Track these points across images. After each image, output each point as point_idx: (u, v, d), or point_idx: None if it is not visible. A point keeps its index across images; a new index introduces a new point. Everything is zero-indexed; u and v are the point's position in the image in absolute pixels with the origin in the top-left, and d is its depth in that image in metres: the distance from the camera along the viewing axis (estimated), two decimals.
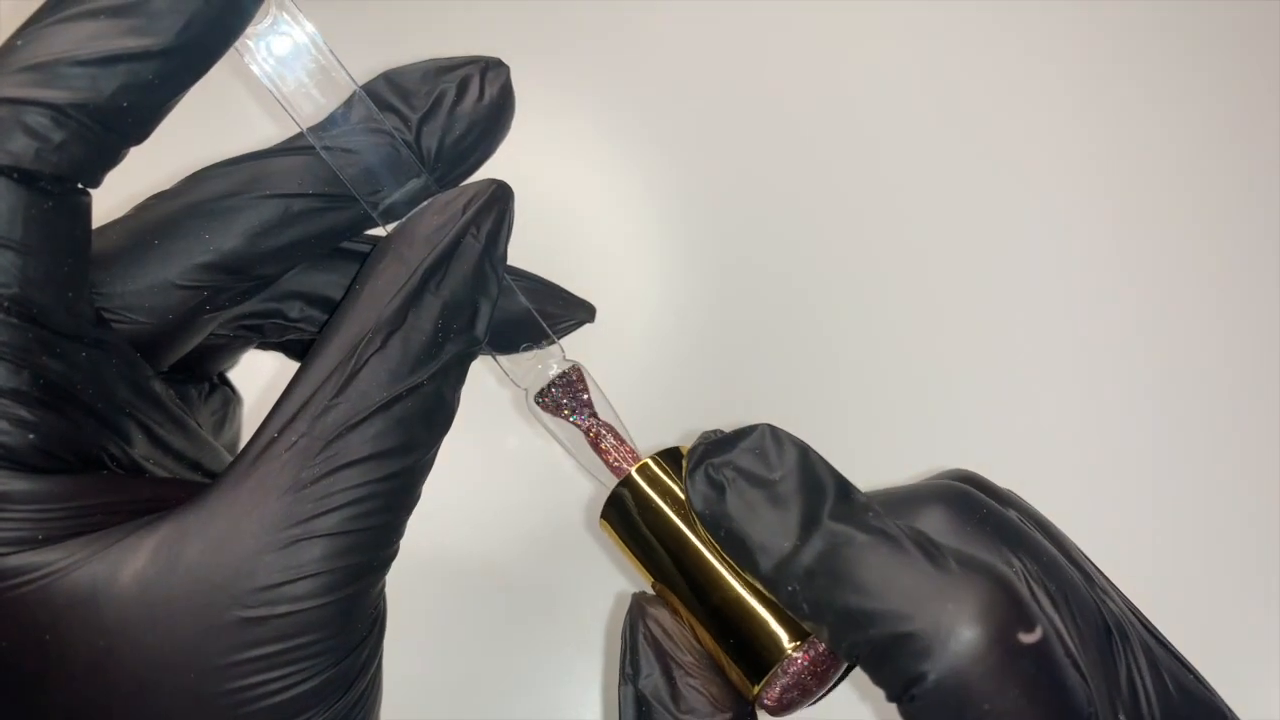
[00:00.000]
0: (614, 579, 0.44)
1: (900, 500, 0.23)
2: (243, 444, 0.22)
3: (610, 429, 0.26)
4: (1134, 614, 0.22)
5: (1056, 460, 0.46)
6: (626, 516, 0.25)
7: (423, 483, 0.22)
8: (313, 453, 0.20)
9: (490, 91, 0.24)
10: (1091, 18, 0.52)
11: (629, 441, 0.26)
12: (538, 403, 0.27)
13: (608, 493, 0.25)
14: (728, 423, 0.46)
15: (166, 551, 0.20)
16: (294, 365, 0.22)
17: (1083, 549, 0.24)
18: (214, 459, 0.25)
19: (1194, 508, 0.46)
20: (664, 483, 0.24)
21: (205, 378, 0.26)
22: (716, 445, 0.22)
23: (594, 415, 0.26)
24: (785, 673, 0.22)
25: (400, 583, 0.42)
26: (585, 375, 0.27)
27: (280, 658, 0.20)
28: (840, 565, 0.20)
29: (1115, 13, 0.52)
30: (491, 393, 0.40)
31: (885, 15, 0.52)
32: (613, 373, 0.46)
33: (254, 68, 0.22)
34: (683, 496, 0.24)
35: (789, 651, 0.22)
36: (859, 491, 0.22)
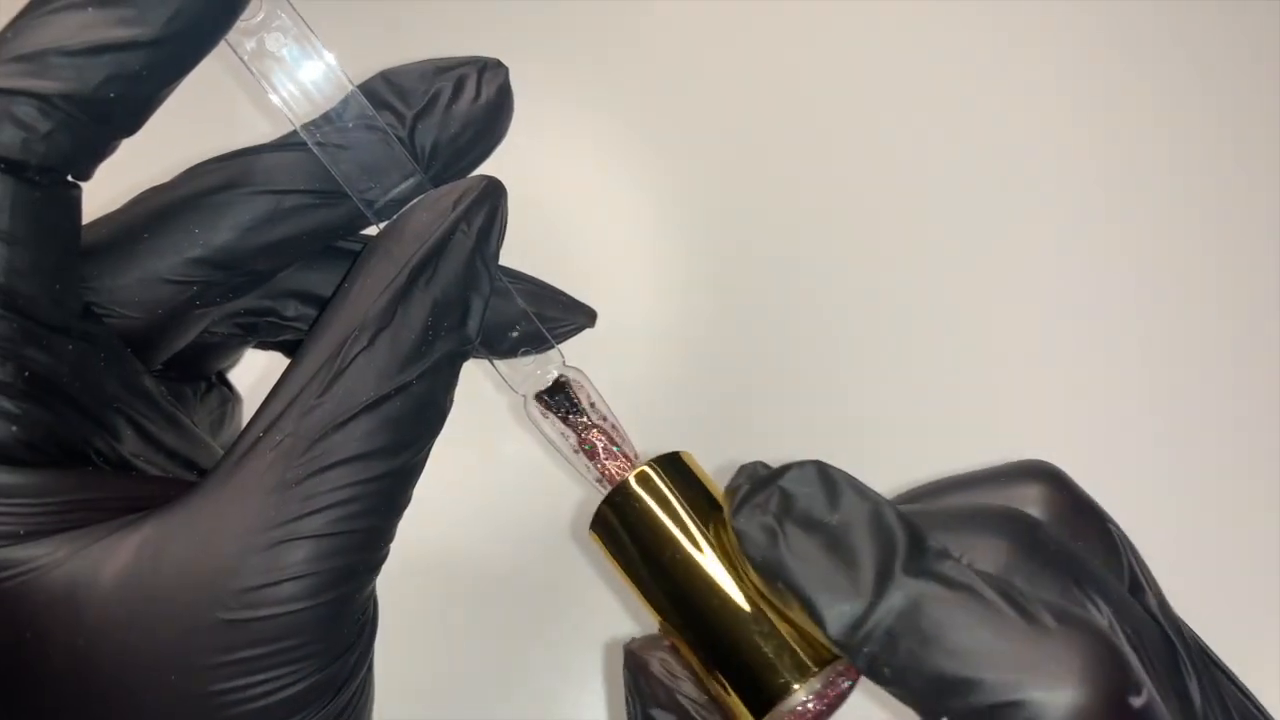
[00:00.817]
0: (610, 584, 0.43)
1: (958, 522, 0.21)
2: None
3: (604, 434, 0.25)
4: (1198, 642, 0.21)
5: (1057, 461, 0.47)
6: (618, 529, 0.23)
7: (413, 485, 0.22)
8: (298, 452, 0.20)
9: (487, 91, 0.24)
10: (1093, 18, 0.52)
11: (625, 447, 0.25)
12: (539, 402, 0.26)
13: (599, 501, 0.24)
14: (729, 424, 0.47)
15: (149, 551, 0.20)
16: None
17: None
18: (209, 457, 0.25)
19: (1193, 507, 0.46)
20: (663, 494, 0.23)
21: (201, 376, 0.26)
22: (762, 483, 0.20)
23: (589, 421, 0.25)
24: (797, 713, 0.21)
25: (399, 587, 0.42)
26: (586, 382, 0.27)
27: (264, 661, 0.20)
28: (927, 626, 0.18)
29: (1119, 13, 0.52)
30: (489, 399, 0.39)
31: (885, 15, 0.51)
32: (612, 374, 0.46)
33: (245, 63, 0.21)
34: (680, 511, 0.22)
35: (803, 697, 0.21)
36: (932, 537, 0.20)
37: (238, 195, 0.22)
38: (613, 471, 0.25)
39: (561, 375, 0.26)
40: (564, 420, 0.26)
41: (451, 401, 0.22)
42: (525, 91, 0.50)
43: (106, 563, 0.20)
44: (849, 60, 0.51)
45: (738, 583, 0.21)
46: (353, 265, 0.22)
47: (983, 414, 0.46)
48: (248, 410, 0.29)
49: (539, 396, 0.26)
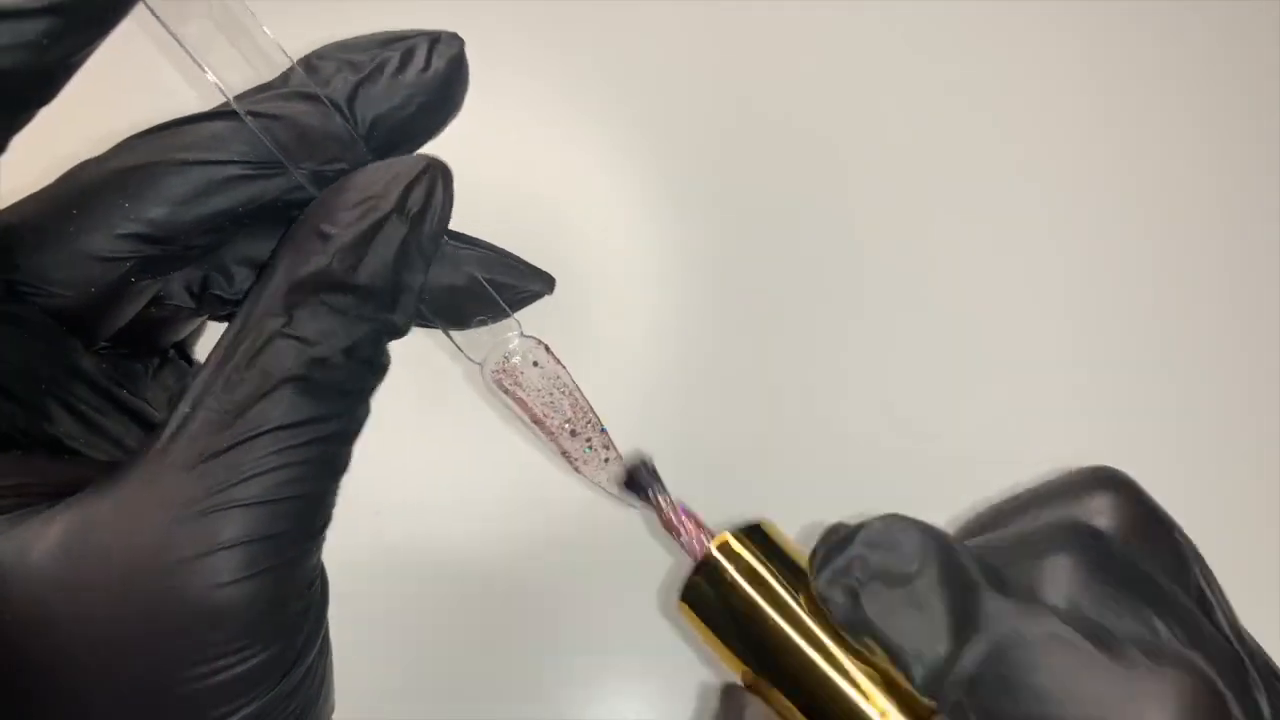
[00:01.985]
0: (612, 577, 0.43)
1: (1022, 544, 0.21)
2: None
3: (686, 511, 0.25)
4: (1263, 656, 0.21)
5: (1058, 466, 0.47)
6: (710, 600, 0.23)
7: (346, 452, 0.21)
8: (221, 425, 0.20)
9: (438, 62, 0.23)
10: (1091, 18, 0.51)
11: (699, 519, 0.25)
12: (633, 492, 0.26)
13: (685, 568, 0.24)
14: (731, 425, 0.47)
15: (78, 529, 0.20)
16: None
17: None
18: None
19: (1194, 507, 0.46)
20: (747, 562, 0.23)
21: (154, 351, 0.26)
22: (840, 543, 0.21)
23: (669, 498, 0.25)
24: None
25: (392, 582, 0.42)
26: (548, 350, 0.26)
27: (200, 640, 0.19)
28: (1010, 670, 0.19)
29: (1116, 13, 0.51)
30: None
31: (885, 14, 0.50)
32: (612, 374, 0.47)
33: (170, 30, 0.21)
34: (769, 578, 0.23)
35: None
36: (1009, 578, 0.20)
37: (169, 167, 0.21)
38: (693, 540, 0.25)
39: (646, 460, 0.26)
40: (648, 501, 0.26)
41: (380, 372, 0.22)
42: (526, 90, 0.50)
43: (35, 543, 0.19)
44: (849, 57, 0.50)
45: (831, 645, 0.22)
46: (283, 238, 0.21)
47: (986, 410, 0.46)
48: None
49: (629, 486, 0.26)
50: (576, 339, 0.45)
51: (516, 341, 0.26)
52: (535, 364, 0.26)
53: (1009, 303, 0.48)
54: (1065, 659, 0.18)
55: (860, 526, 0.20)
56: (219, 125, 0.22)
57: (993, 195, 0.49)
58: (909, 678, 0.20)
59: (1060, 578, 0.20)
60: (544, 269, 0.26)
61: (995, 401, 0.46)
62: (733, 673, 0.24)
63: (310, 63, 0.23)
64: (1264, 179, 0.49)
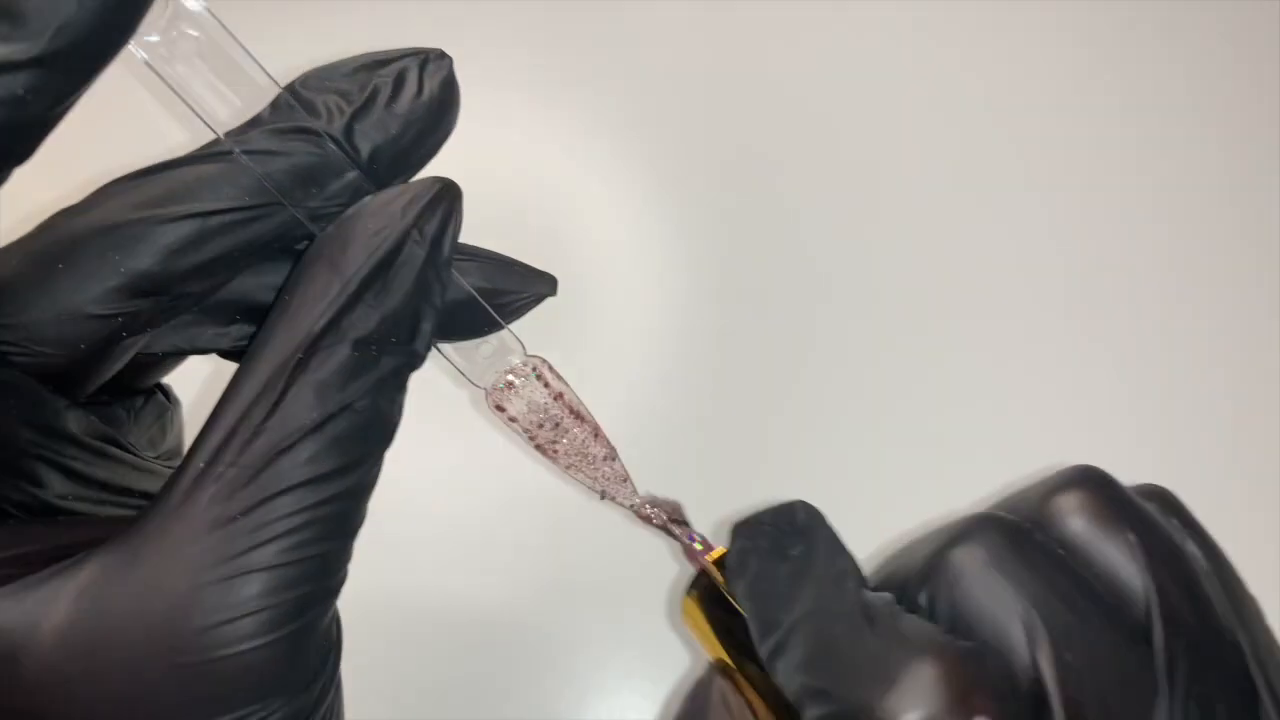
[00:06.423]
0: (612, 576, 0.43)
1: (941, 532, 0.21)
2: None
3: (695, 535, 0.26)
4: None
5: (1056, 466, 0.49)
6: (705, 600, 0.24)
7: (366, 502, 0.21)
8: (242, 483, 0.19)
9: (430, 86, 0.21)
10: (1093, 17, 0.51)
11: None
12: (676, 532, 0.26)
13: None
14: (731, 424, 0.47)
15: (91, 599, 0.19)
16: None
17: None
18: (150, 480, 0.23)
19: (1195, 508, 0.48)
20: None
21: (135, 394, 0.24)
22: (747, 522, 0.22)
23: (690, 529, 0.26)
24: None
25: (388, 580, 0.42)
26: (550, 369, 0.26)
27: (226, 703, 0.19)
28: (804, 644, 0.20)
29: (1119, 12, 0.51)
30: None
31: (886, 16, 0.50)
32: (614, 372, 0.47)
33: (155, 70, 0.19)
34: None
35: None
36: (857, 575, 0.21)
37: (159, 217, 0.20)
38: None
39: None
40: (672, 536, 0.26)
41: (400, 412, 0.21)
42: (524, 96, 0.48)
43: (45, 614, 0.18)
44: (849, 52, 0.50)
45: None
46: (292, 273, 0.20)
47: (986, 411, 0.47)
48: (189, 415, 0.27)
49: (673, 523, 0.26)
50: (578, 342, 0.45)
51: (519, 361, 0.25)
52: (539, 378, 0.25)
53: (1009, 303, 0.48)
54: (841, 635, 0.19)
55: (771, 510, 0.22)
56: (208, 168, 0.20)
57: (994, 196, 0.49)
58: (757, 644, 0.20)
59: (970, 557, 0.20)
60: (545, 270, 0.25)
61: (995, 402, 0.47)
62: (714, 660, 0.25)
63: (295, 91, 0.21)
64: (1266, 180, 0.49)
